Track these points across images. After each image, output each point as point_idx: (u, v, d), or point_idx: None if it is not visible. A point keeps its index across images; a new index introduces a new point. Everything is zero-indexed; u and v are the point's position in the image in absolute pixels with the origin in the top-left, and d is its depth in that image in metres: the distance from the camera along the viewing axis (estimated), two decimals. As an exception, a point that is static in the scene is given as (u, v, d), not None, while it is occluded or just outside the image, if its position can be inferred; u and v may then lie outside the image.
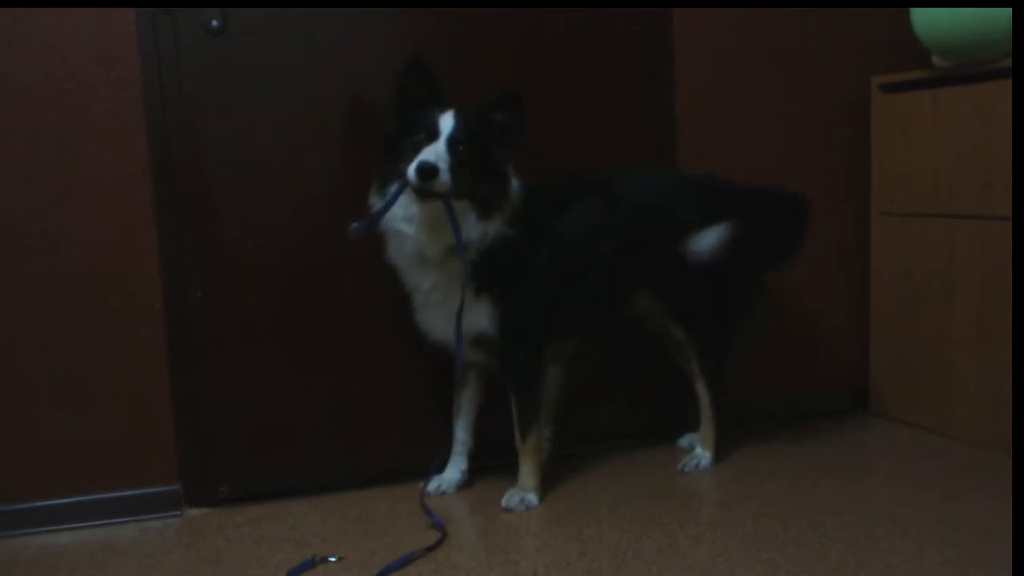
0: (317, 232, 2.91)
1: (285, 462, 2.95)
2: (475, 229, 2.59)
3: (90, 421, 2.77)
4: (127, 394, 2.79)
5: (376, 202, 2.63)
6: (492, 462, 3.04)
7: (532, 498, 2.79)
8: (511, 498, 2.79)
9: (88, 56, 2.68)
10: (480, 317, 2.69)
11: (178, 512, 2.85)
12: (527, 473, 2.83)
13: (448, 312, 2.66)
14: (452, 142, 2.51)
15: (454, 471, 3.00)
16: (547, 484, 2.90)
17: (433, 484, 2.97)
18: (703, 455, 3.05)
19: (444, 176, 2.44)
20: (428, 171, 2.42)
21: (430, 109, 2.57)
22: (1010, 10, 2.83)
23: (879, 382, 3.57)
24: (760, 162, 3.40)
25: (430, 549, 2.47)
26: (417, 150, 2.49)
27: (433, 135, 2.52)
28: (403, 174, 2.49)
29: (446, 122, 2.53)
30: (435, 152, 2.47)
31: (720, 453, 3.09)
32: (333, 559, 2.43)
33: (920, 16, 3.10)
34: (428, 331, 2.79)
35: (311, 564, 2.39)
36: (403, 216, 2.59)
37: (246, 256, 2.86)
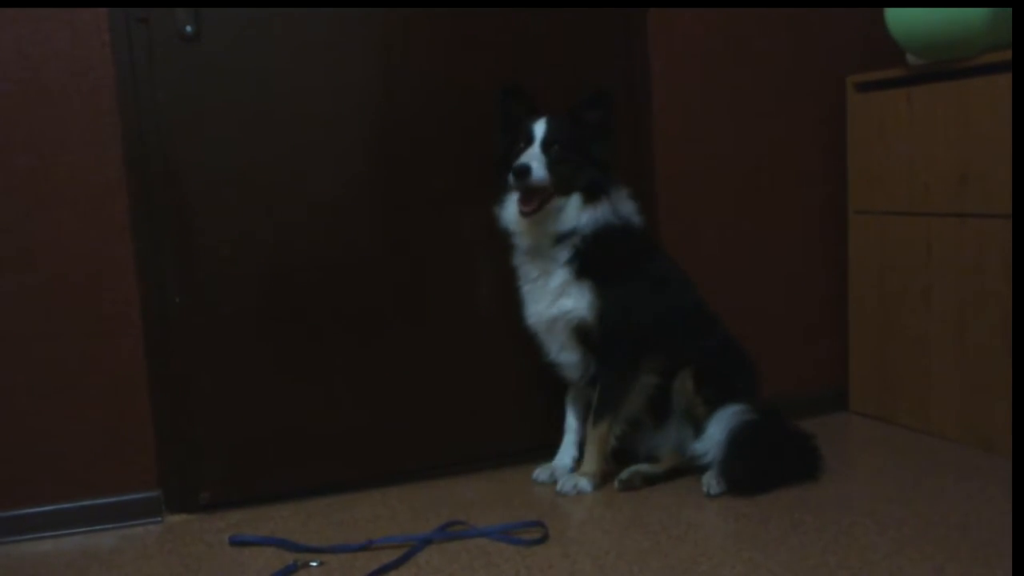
0: (296, 238, 2.91)
1: (265, 467, 2.94)
2: (582, 215, 2.82)
3: (70, 428, 2.76)
4: (107, 401, 2.78)
5: (498, 212, 2.92)
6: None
7: (585, 484, 2.87)
8: (565, 483, 2.88)
9: (61, 65, 2.66)
10: (580, 303, 2.84)
11: (159, 518, 2.84)
12: (589, 459, 2.90)
13: (550, 300, 2.87)
14: (545, 144, 2.78)
15: (566, 457, 3.06)
16: (526, 489, 2.95)
17: (544, 472, 3.02)
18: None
19: (537, 173, 2.72)
20: (521, 171, 2.71)
21: (526, 120, 2.84)
22: (983, 9, 2.85)
23: (858, 380, 3.59)
24: (736, 161, 3.41)
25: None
26: (518, 157, 2.76)
27: (529, 141, 2.80)
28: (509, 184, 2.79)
29: (539, 128, 2.81)
30: (529, 155, 2.75)
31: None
32: (314, 564, 2.42)
33: (894, 15, 3.11)
34: (532, 321, 2.95)
35: (292, 569, 2.39)
36: (513, 216, 2.87)
37: (224, 263, 2.85)
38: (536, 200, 2.75)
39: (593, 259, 2.83)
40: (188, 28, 2.73)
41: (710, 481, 2.81)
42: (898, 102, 3.26)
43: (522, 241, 2.88)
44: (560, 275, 2.84)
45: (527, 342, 3.04)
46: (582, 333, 2.87)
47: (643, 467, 2.96)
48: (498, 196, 2.92)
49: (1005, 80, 2.86)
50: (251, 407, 2.92)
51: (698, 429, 2.88)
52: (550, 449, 3.08)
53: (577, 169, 2.80)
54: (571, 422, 3.08)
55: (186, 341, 2.84)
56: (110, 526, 2.80)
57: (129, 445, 2.81)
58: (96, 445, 2.79)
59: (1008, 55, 2.83)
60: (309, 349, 2.96)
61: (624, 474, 2.93)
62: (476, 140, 3.06)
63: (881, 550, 2.37)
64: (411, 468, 3.08)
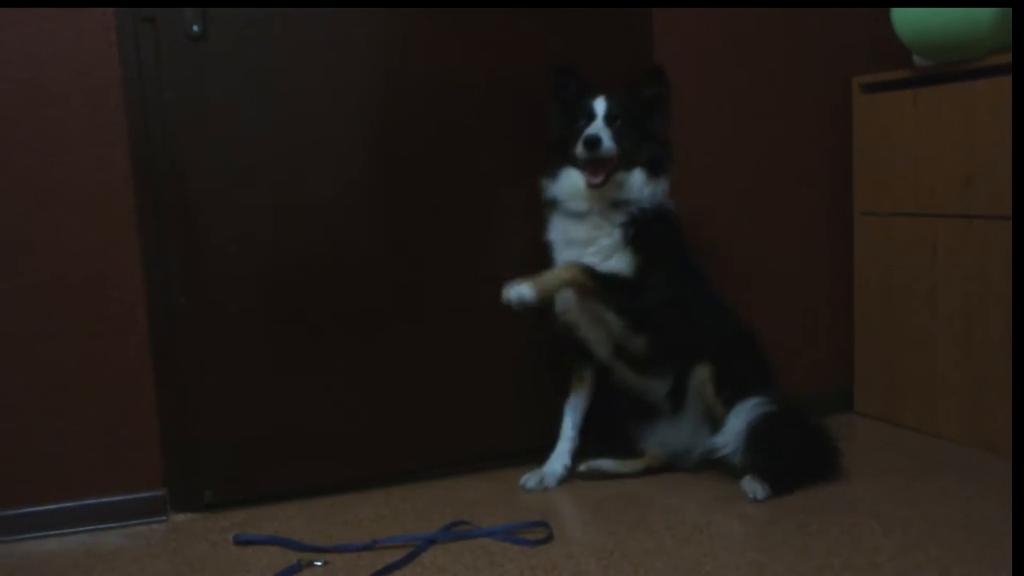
0: (299, 238, 2.90)
1: (270, 467, 2.94)
2: (645, 187, 2.86)
3: (74, 427, 2.76)
4: (111, 400, 2.78)
5: (548, 185, 2.94)
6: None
7: (526, 289, 2.74)
8: (510, 290, 2.78)
9: (67, 65, 2.66)
10: (620, 263, 2.85)
11: (163, 517, 2.84)
12: (546, 274, 2.82)
13: (595, 261, 2.85)
14: (608, 119, 2.83)
15: (556, 465, 3.02)
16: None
17: (533, 480, 2.99)
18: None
19: (607, 143, 2.76)
20: (593, 141, 2.75)
21: (583, 99, 2.89)
22: (991, 10, 2.85)
23: (863, 381, 3.58)
24: (741, 162, 3.41)
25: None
26: (581, 133, 2.80)
27: (591, 117, 2.84)
28: (571, 158, 2.84)
29: (599, 105, 2.86)
30: (596, 127, 2.80)
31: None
32: (319, 563, 2.43)
33: (901, 16, 3.11)
34: None
35: (296, 568, 2.39)
36: (567, 187, 2.90)
37: (230, 262, 2.85)
38: (604, 171, 2.78)
39: (645, 232, 2.85)
40: (195, 28, 2.73)
41: (755, 487, 2.78)
42: (904, 103, 3.26)
43: (578, 205, 2.87)
44: (613, 235, 2.84)
45: (529, 341, 3.05)
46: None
47: (605, 463, 3.00)
48: (551, 170, 2.93)
49: (1011, 82, 2.85)
50: (255, 406, 2.91)
51: (716, 427, 2.87)
52: (553, 450, 3.08)
53: (639, 144, 2.85)
54: (567, 430, 3.06)
55: (191, 340, 2.84)
56: (114, 525, 2.80)
57: (133, 444, 2.82)
58: (100, 444, 2.79)
59: (1014, 56, 2.83)
60: (313, 349, 2.96)
61: (583, 466, 2.99)
62: (477, 140, 3.06)
63: (886, 551, 2.37)
64: (414, 468, 3.08)
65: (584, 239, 2.87)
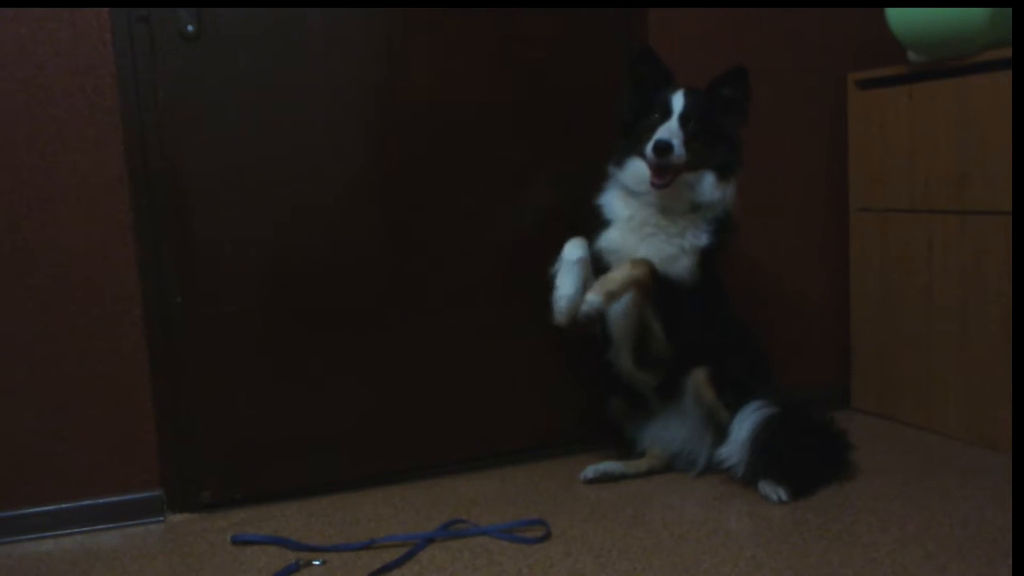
0: (297, 237, 2.90)
1: (267, 466, 2.93)
2: (716, 190, 2.82)
3: (71, 428, 2.75)
4: (108, 401, 2.78)
5: (614, 171, 2.91)
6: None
7: (594, 298, 2.71)
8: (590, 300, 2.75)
9: (63, 65, 2.66)
10: (681, 268, 2.82)
11: (161, 518, 2.84)
12: (613, 273, 2.78)
13: (653, 246, 2.82)
14: (683, 119, 2.77)
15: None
16: (528, 488, 2.94)
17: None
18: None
19: (678, 151, 2.71)
20: (663, 147, 2.70)
21: (662, 90, 2.84)
22: (984, 9, 2.85)
23: (860, 377, 3.59)
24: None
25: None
26: (653, 129, 2.76)
27: (666, 114, 2.79)
28: (641, 151, 2.78)
29: (677, 101, 2.80)
30: (669, 130, 2.74)
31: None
32: (317, 563, 2.43)
33: (895, 13, 3.11)
34: (616, 250, 2.87)
35: (294, 568, 2.39)
36: (637, 177, 2.83)
37: (226, 262, 2.84)
38: (670, 175, 2.75)
39: (714, 243, 2.83)
40: (189, 27, 2.72)
41: (776, 490, 2.75)
42: (899, 99, 3.26)
43: (654, 200, 2.82)
44: (684, 238, 2.81)
45: (528, 341, 3.05)
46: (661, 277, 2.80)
47: (612, 466, 2.99)
48: (618, 156, 2.89)
49: (1006, 77, 2.86)
50: (252, 406, 2.91)
51: (720, 432, 2.86)
52: (552, 449, 3.08)
53: (710, 147, 2.80)
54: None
55: (187, 340, 2.83)
56: (112, 526, 2.80)
57: (130, 444, 2.81)
58: (97, 444, 2.78)
59: (1008, 52, 2.83)
60: (310, 348, 2.95)
61: (589, 471, 2.96)
62: (476, 139, 3.06)
63: (884, 548, 2.37)
64: (413, 467, 3.07)
65: (664, 225, 2.83)
